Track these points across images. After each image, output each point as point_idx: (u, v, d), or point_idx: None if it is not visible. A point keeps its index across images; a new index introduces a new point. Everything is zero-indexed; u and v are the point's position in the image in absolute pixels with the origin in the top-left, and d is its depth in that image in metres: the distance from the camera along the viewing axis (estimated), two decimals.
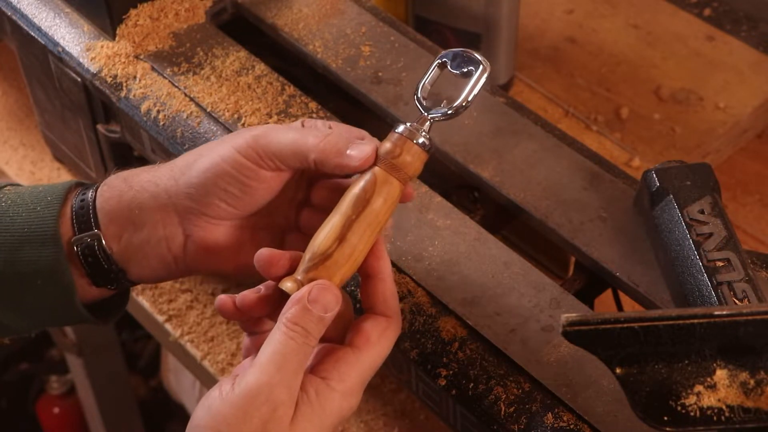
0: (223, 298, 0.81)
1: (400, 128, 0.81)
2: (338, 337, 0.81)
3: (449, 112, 0.82)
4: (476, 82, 0.82)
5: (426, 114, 0.82)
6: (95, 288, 0.87)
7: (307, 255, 0.79)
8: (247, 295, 0.80)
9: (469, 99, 0.82)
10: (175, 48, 1.11)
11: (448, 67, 0.83)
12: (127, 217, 0.85)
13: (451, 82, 0.84)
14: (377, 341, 0.79)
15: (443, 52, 0.84)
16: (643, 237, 0.93)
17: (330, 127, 0.83)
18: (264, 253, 0.80)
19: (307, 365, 0.79)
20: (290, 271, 0.80)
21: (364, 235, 0.79)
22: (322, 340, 0.80)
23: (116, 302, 0.91)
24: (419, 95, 0.83)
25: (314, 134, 0.81)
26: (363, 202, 0.79)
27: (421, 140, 0.81)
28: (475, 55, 0.82)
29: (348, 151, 0.80)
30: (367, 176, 0.80)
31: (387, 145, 0.81)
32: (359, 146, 0.80)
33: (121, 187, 0.85)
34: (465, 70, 0.83)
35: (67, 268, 0.85)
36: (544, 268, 1.07)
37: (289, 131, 0.81)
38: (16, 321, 0.88)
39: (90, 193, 0.86)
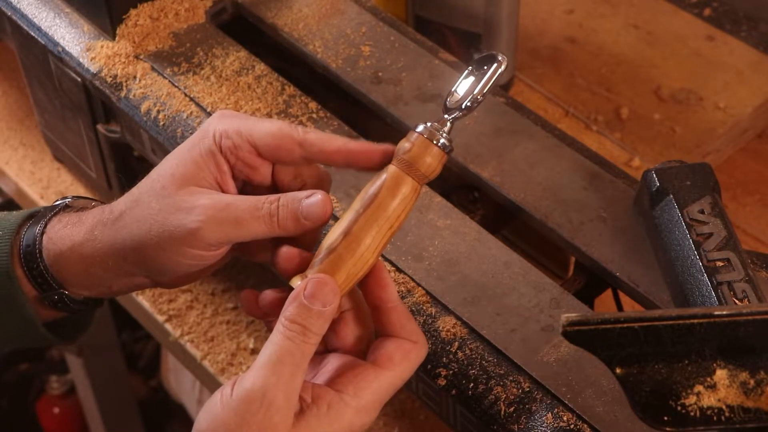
0: (247, 294, 0.80)
1: (420, 128, 0.79)
2: (358, 350, 0.80)
3: (468, 104, 0.80)
4: (491, 76, 0.80)
5: (446, 116, 0.80)
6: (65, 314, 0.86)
7: (317, 252, 0.79)
8: (269, 294, 0.79)
9: (485, 92, 0.80)
10: (175, 48, 1.11)
11: (474, 72, 0.82)
12: (90, 282, 0.83)
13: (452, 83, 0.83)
14: (399, 362, 0.77)
15: (472, 60, 0.83)
16: (643, 237, 0.93)
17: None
18: (283, 251, 0.78)
19: (327, 377, 0.77)
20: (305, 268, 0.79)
21: (372, 231, 0.77)
22: (343, 351, 0.80)
23: (83, 318, 0.90)
24: (446, 100, 0.81)
25: (268, 204, 0.78)
26: (374, 198, 0.78)
27: (441, 141, 0.79)
28: (494, 53, 0.82)
29: (301, 215, 0.77)
30: (383, 175, 0.78)
31: (405, 144, 0.79)
32: (308, 205, 0.77)
33: (70, 257, 0.82)
34: (484, 68, 0.81)
35: (26, 303, 0.83)
36: (544, 268, 1.07)
37: (241, 212, 0.77)
38: None
39: (36, 242, 0.83)
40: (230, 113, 0.81)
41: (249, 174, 0.80)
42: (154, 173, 0.80)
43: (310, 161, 0.81)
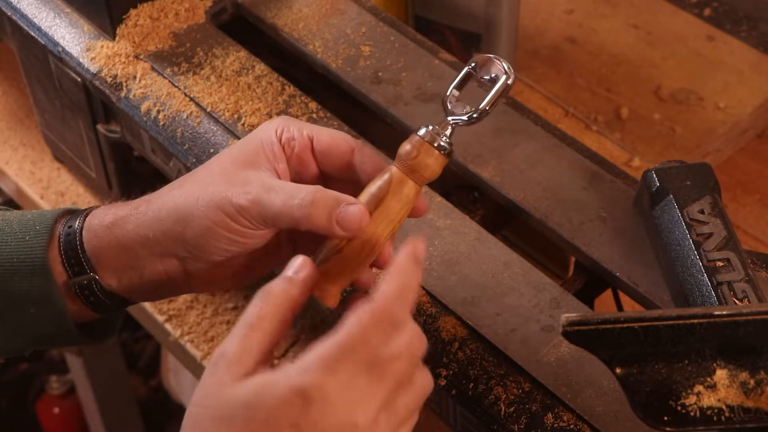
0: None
1: (422, 131, 0.81)
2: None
3: (473, 116, 0.81)
4: (499, 90, 0.81)
5: (449, 118, 0.81)
6: (94, 313, 0.87)
7: (318, 250, 0.79)
8: None
9: (489, 107, 0.81)
10: (175, 48, 1.11)
11: (475, 72, 0.83)
12: (124, 264, 0.84)
13: (475, 89, 0.83)
14: (347, 320, 0.71)
15: (473, 58, 0.84)
16: (643, 237, 0.93)
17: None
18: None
19: None
20: None
21: (376, 232, 0.79)
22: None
23: (112, 320, 0.91)
24: (446, 100, 0.83)
25: (300, 198, 0.79)
26: (377, 201, 0.79)
27: (441, 144, 0.80)
28: (502, 62, 0.82)
29: (336, 219, 0.78)
30: (385, 176, 0.80)
31: (407, 147, 0.80)
32: (345, 213, 0.78)
33: (107, 237, 0.84)
34: (490, 76, 0.82)
35: (59, 298, 0.84)
36: (544, 268, 1.07)
37: (278, 196, 0.79)
38: (10, 343, 0.88)
39: (77, 223, 0.85)
40: (295, 119, 0.85)
41: (299, 170, 0.84)
42: (213, 160, 0.85)
43: (355, 175, 0.83)
